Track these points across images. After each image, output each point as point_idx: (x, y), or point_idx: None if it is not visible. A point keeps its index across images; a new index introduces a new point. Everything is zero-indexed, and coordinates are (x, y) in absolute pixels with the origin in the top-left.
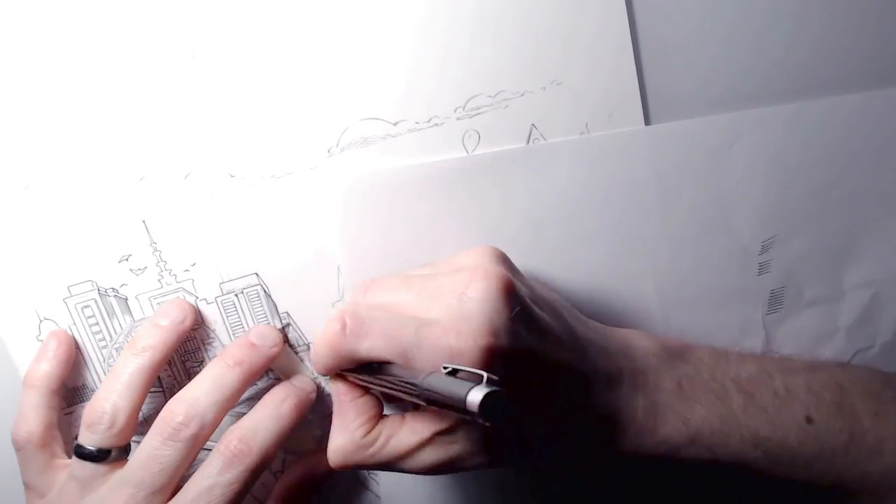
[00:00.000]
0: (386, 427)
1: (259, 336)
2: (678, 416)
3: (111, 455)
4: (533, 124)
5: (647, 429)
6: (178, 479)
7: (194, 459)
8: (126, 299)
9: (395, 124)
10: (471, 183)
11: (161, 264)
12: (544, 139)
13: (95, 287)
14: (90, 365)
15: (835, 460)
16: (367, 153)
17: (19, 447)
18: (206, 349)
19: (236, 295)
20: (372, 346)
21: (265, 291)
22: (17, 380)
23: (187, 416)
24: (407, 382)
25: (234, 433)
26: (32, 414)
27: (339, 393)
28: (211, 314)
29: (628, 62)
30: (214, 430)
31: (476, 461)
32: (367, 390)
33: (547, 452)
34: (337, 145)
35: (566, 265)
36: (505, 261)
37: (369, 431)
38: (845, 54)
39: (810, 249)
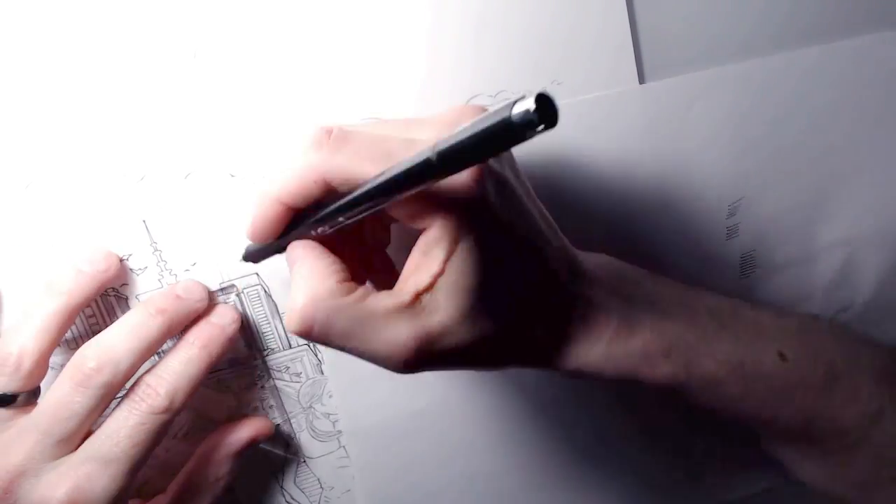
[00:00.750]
0: (362, 288)
1: (185, 290)
2: (654, 325)
3: (18, 399)
4: None
5: (623, 334)
6: (88, 426)
7: (106, 408)
8: (126, 299)
9: None
10: None
11: (161, 264)
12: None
13: None
14: None
15: (808, 399)
16: None
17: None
18: None
19: (237, 295)
20: (354, 155)
21: (266, 291)
22: None
23: (100, 363)
24: (410, 168)
25: (143, 377)
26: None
27: (304, 251)
28: None
29: (629, 63)
30: (128, 379)
31: (457, 339)
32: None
33: (521, 340)
34: None
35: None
36: None
37: (344, 281)
38: (799, 8)
39: (779, 210)
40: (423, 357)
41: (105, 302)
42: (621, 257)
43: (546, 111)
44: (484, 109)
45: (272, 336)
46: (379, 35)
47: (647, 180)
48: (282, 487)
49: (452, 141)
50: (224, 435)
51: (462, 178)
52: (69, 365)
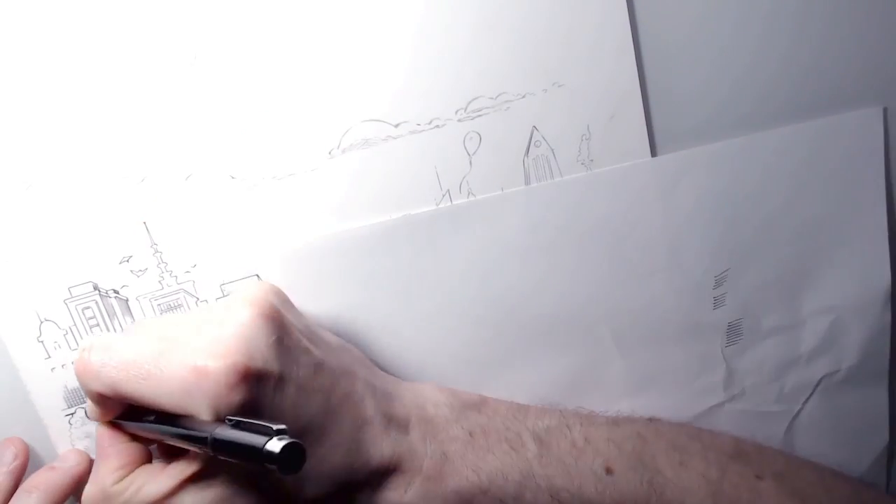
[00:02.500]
0: (143, 474)
1: (61, 459)
2: (469, 465)
3: None
4: (534, 126)
5: (435, 477)
6: None
7: None
8: (127, 301)
9: (396, 126)
10: (407, 242)
11: (162, 266)
12: (545, 141)
13: (96, 288)
14: None
15: None
16: (369, 154)
17: None
18: None
19: None
20: (116, 374)
21: None
22: (18, 380)
23: None
24: (193, 435)
25: None
26: None
27: (102, 437)
28: None
29: (629, 64)
30: None
31: None
32: (135, 437)
33: (322, 502)
34: (338, 147)
35: (515, 314)
36: (277, 293)
37: (123, 478)
38: (784, 88)
39: (765, 280)
40: None
41: (106, 304)
42: (614, 320)
43: (290, 459)
44: (273, 287)
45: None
46: (380, 37)
47: (635, 252)
48: None
49: (223, 437)
50: None
51: (220, 390)
52: None
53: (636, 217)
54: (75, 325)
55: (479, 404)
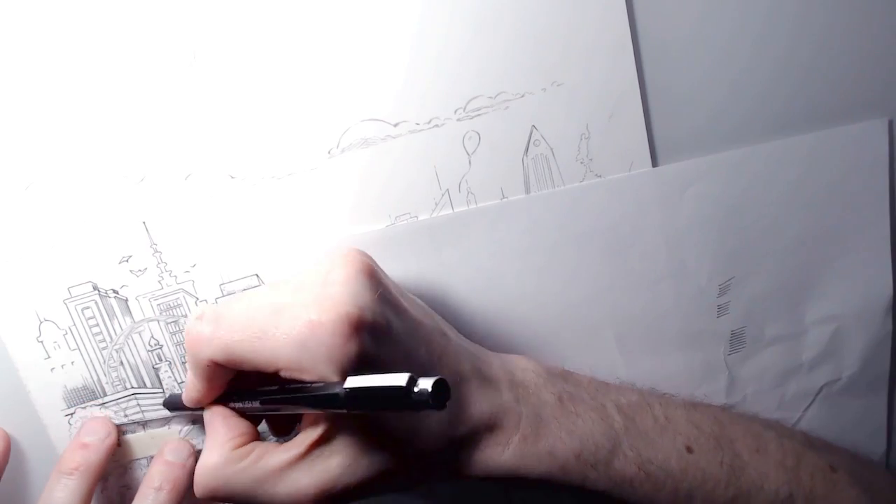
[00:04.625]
0: (259, 447)
1: (89, 433)
2: (562, 427)
3: None
4: (533, 125)
5: (531, 438)
6: None
7: None
8: (126, 300)
9: (395, 125)
10: (411, 249)
11: (161, 265)
12: (545, 141)
13: (96, 288)
14: (90, 367)
15: (716, 491)
16: (368, 154)
17: None
18: None
19: None
20: (230, 336)
21: None
22: (18, 380)
23: None
24: (321, 394)
25: None
26: None
27: (212, 415)
28: None
29: (628, 63)
30: None
31: (359, 475)
32: (242, 413)
33: (427, 464)
34: (337, 146)
35: (522, 320)
36: (369, 256)
37: (240, 446)
38: (793, 97)
39: (768, 289)
40: (326, 499)
41: (105, 303)
42: (618, 328)
43: (440, 395)
44: (361, 252)
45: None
46: (379, 36)
47: (640, 259)
48: None
49: (360, 385)
50: None
51: (336, 342)
52: None
53: (642, 225)
54: (75, 325)
55: (564, 374)
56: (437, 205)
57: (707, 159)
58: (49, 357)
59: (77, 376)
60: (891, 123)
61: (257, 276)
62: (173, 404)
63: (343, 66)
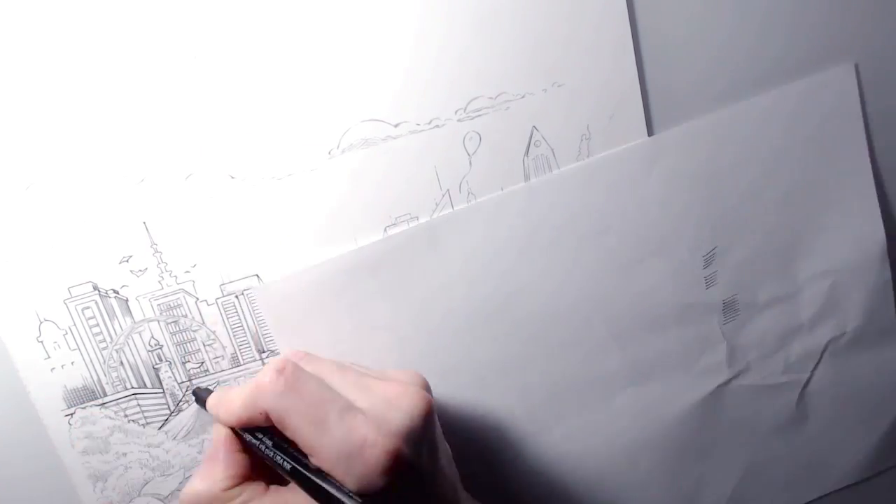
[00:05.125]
0: (248, 491)
1: None
2: None
3: None
4: (534, 126)
5: None
6: None
7: None
8: (126, 300)
9: (395, 126)
10: (389, 265)
11: (162, 265)
12: (545, 141)
13: (96, 288)
14: (90, 367)
15: None
16: (368, 154)
17: None
18: (206, 350)
19: (237, 296)
20: (296, 407)
21: None
22: (17, 380)
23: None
24: (338, 491)
25: None
26: None
27: (220, 440)
28: (211, 316)
29: (629, 64)
30: None
31: None
32: (244, 449)
33: None
34: (338, 147)
35: (508, 314)
36: (429, 390)
37: (231, 487)
38: (749, 57)
39: (755, 253)
40: None
41: (105, 304)
42: (608, 312)
43: None
44: (427, 386)
45: (271, 338)
46: (380, 37)
47: (618, 240)
48: None
49: None
50: None
51: (376, 468)
52: None
53: (615, 207)
54: (75, 325)
55: None
56: (437, 205)
57: (675, 130)
58: (49, 357)
59: (77, 376)
60: (857, 67)
61: (258, 276)
62: (200, 398)
63: (343, 66)
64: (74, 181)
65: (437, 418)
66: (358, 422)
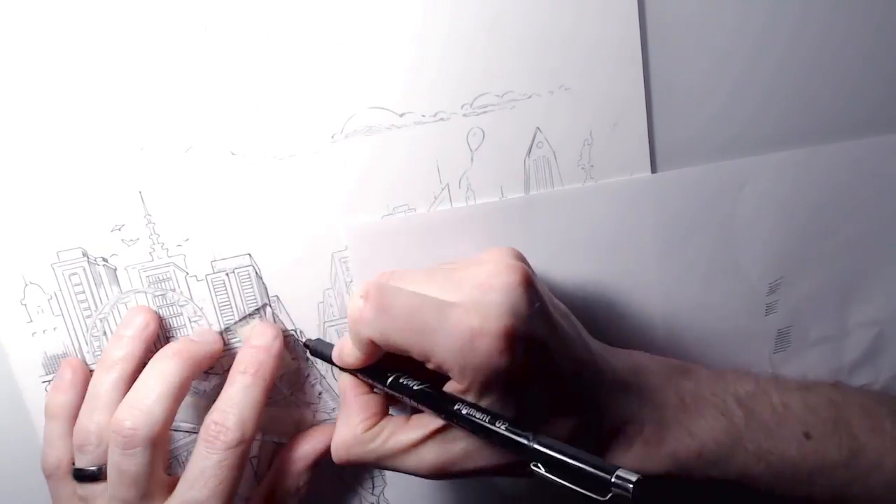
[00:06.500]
0: (389, 425)
1: (198, 334)
2: (684, 429)
3: (103, 470)
4: (538, 127)
5: (654, 441)
6: (161, 474)
7: (166, 452)
8: (115, 270)
9: (401, 115)
10: (474, 231)
11: (154, 237)
12: (548, 143)
13: (85, 255)
14: (72, 334)
15: (836, 474)
16: (371, 142)
17: (49, 474)
18: (192, 326)
19: (227, 274)
20: (393, 324)
21: (257, 273)
22: None
23: (134, 421)
24: (509, 436)
25: (210, 416)
26: (59, 443)
27: (346, 387)
28: (200, 292)
29: (637, 74)
30: (169, 425)
31: (478, 463)
32: (372, 388)
33: None
34: (341, 132)
35: (573, 310)
36: (524, 260)
37: (371, 427)
38: (851, 102)
39: (816, 290)
40: (447, 474)
41: (93, 271)
42: (666, 327)
43: (645, 496)
44: (520, 253)
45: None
46: (392, 25)
47: (696, 250)
48: None
49: (553, 452)
50: (298, 447)
51: (492, 353)
52: (111, 431)
53: (698, 221)
54: (60, 290)
55: (682, 369)
56: (436, 199)
57: (765, 157)
58: (31, 321)
59: (58, 343)
60: None
61: (250, 255)
62: (317, 350)
63: (353, 52)
64: (73, 144)
65: (539, 283)
66: (458, 315)
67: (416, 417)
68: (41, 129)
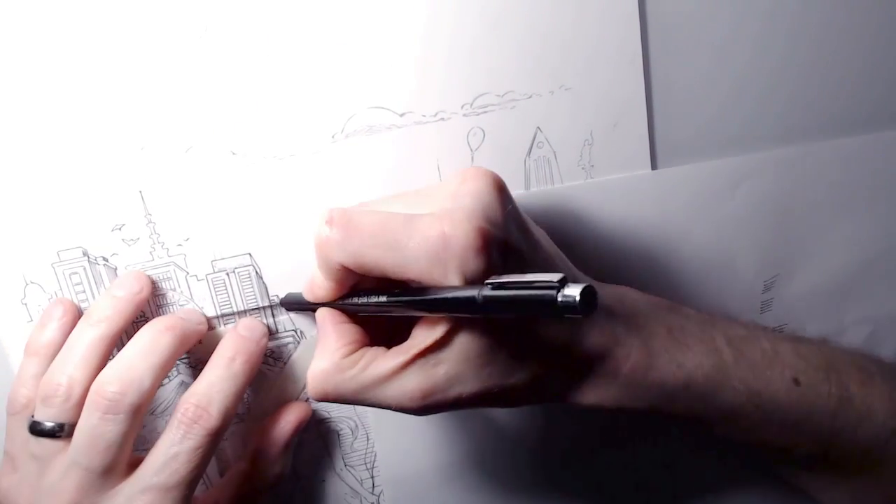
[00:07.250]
0: (369, 353)
1: (186, 313)
2: (672, 359)
3: (65, 429)
4: (538, 127)
5: (640, 369)
6: (129, 451)
7: (140, 429)
8: (115, 269)
9: (401, 115)
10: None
11: (154, 236)
12: (548, 143)
13: (85, 254)
14: None
15: (824, 423)
16: (372, 142)
17: (14, 412)
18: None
19: (228, 274)
20: (362, 242)
21: (257, 273)
22: None
23: (122, 385)
24: (455, 297)
25: (189, 399)
26: (32, 383)
27: (323, 318)
28: (200, 291)
29: (637, 75)
30: (153, 396)
31: (463, 388)
32: (353, 318)
33: (536, 385)
34: (342, 131)
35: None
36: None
37: (351, 353)
38: (848, 100)
39: (812, 288)
40: (431, 405)
41: (94, 270)
42: None
43: (588, 302)
44: (490, 175)
45: (259, 318)
46: (393, 25)
47: (692, 249)
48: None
49: (498, 293)
50: (271, 430)
51: (467, 255)
52: (91, 392)
53: (694, 219)
54: (61, 290)
55: (671, 307)
56: None
57: (761, 156)
58: (32, 320)
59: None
60: None
61: (250, 255)
62: (290, 303)
63: (354, 51)
64: (74, 143)
65: (511, 196)
66: (428, 223)
67: (396, 347)
68: (42, 129)
